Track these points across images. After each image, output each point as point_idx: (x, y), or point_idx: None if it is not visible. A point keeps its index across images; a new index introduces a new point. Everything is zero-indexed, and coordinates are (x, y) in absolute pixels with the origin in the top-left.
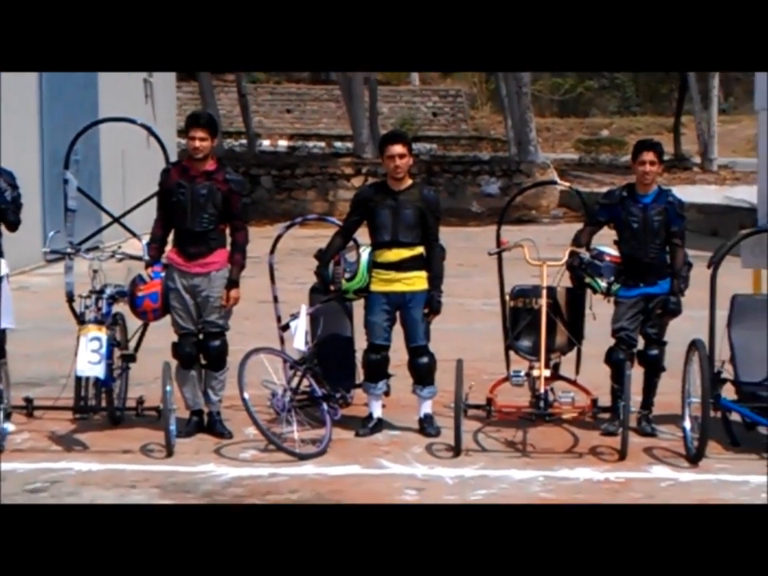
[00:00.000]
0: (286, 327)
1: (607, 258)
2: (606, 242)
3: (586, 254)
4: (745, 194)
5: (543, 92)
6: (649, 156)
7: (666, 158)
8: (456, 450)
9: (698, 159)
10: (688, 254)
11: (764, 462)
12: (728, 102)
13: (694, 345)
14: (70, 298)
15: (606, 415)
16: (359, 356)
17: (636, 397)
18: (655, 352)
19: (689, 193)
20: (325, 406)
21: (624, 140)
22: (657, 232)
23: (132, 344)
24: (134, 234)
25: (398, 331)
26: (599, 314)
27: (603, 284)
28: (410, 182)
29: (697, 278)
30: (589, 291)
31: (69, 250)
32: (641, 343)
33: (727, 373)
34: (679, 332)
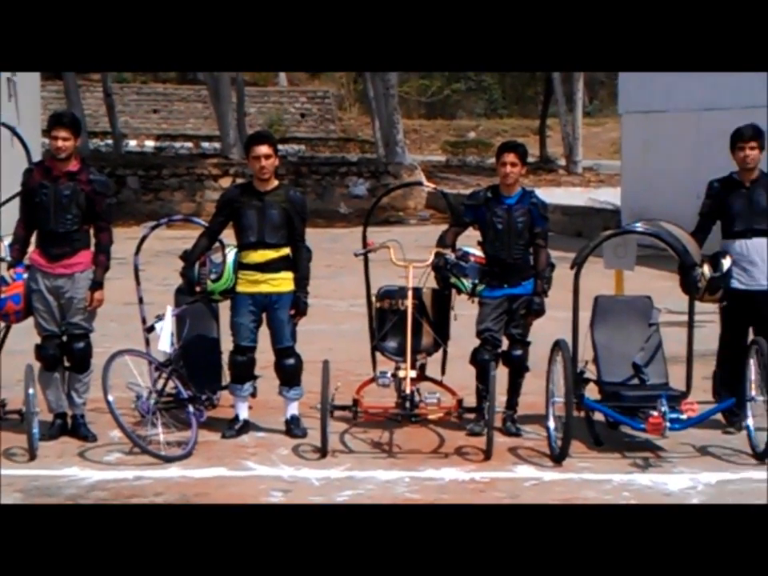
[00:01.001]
0: (151, 329)
1: (472, 259)
2: (470, 243)
3: (451, 255)
4: (609, 196)
5: (411, 94)
6: (510, 157)
7: (531, 160)
8: (322, 451)
9: (563, 161)
10: (551, 255)
11: (626, 460)
12: (593, 105)
13: (557, 345)
14: None
15: (472, 415)
16: (225, 358)
17: (501, 397)
18: (519, 352)
19: (554, 194)
20: (190, 408)
21: (491, 142)
22: (521, 233)
23: None
24: None
25: (264, 332)
26: (466, 315)
27: (468, 284)
28: (276, 182)
29: (560, 279)
30: (454, 292)
31: None
32: (505, 344)
33: (590, 373)
34: (543, 332)
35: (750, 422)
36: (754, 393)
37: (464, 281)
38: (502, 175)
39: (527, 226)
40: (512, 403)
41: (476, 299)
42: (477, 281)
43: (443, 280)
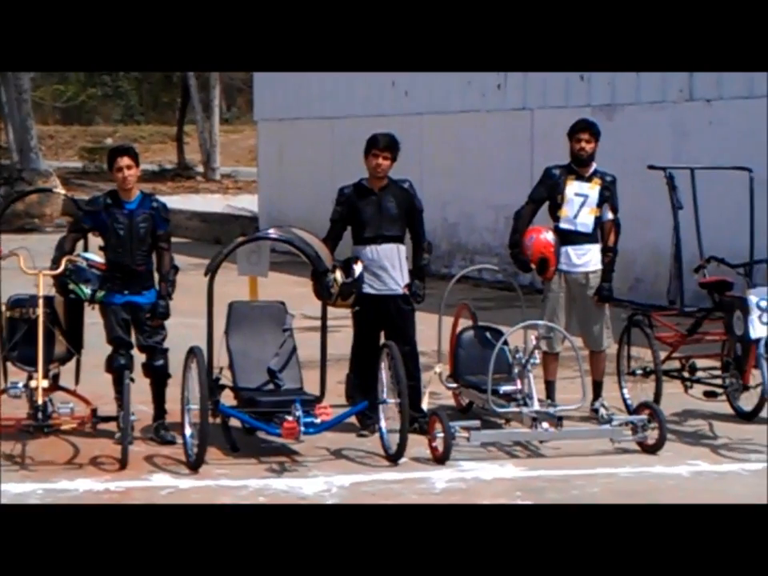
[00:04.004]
0: None
1: (92, 265)
2: (91, 250)
3: (83, 263)
4: (247, 203)
5: (45, 99)
6: (125, 161)
7: (169, 167)
8: None
9: (201, 168)
10: (174, 258)
11: (262, 465)
12: (231, 112)
13: (192, 352)
14: None
15: (109, 425)
16: None
17: (141, 406)
18: (161, 362)
19: (192, 201)
20: None
21: None
22: (143, 238)
23: None
24: None
25: None
26: (100, 324)
27: (88, 291)
28: None
29: (196, 286)
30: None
31: None
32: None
33: (226, 379)
34: (178, 339)
35: (382, 424)
36: (385, 396)
37: (83, 287)
38: (121, 180)
39: (149, 230)
40: (161, 412)
41: (96, 306)
42: (97, 287)
43: (62, 286)
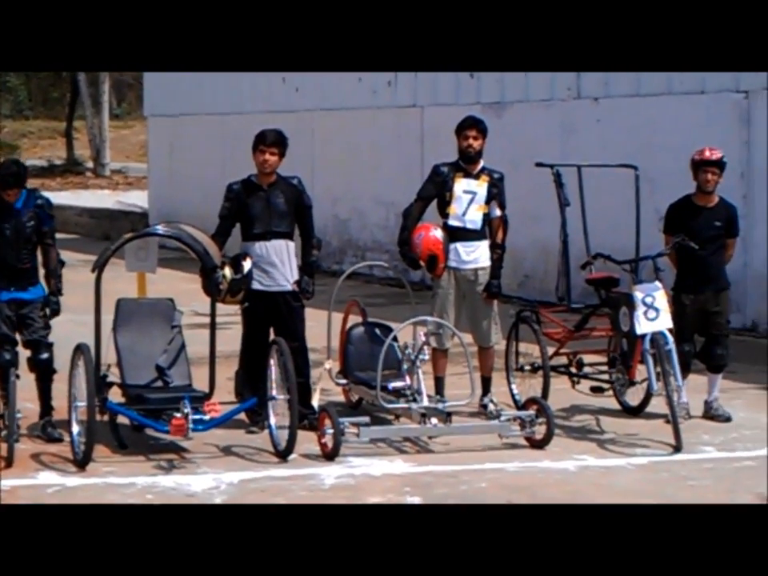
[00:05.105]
0: None
1: None
2: None
3: None
4: (137, 199)
5: None
6: (12, 192)
7: (58, 162)
8: None
9: (91, 164)
10: (60, 253)
11: (150, 463)
12: (121, 108)
13: (79, 349)
14: None
15: None
16: None
17: (26, 404)
18: (46, 356)
19: (82, 198)
20: None
21: (16, 144)
22: (29, 237)
23: None
24: None
25: None
26: None
27: None
28: None
29: (84, 283)
30: None
31: None
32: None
33: (114, 376)
34: (66, 336)
35: (271, 420)
36: (275, 392)
37: None
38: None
39: (35, 228)
40: (47, 409)
41: None
42: None
43: None
